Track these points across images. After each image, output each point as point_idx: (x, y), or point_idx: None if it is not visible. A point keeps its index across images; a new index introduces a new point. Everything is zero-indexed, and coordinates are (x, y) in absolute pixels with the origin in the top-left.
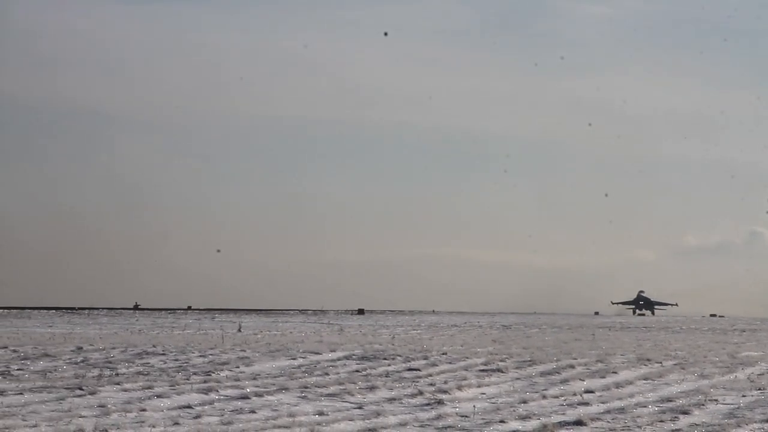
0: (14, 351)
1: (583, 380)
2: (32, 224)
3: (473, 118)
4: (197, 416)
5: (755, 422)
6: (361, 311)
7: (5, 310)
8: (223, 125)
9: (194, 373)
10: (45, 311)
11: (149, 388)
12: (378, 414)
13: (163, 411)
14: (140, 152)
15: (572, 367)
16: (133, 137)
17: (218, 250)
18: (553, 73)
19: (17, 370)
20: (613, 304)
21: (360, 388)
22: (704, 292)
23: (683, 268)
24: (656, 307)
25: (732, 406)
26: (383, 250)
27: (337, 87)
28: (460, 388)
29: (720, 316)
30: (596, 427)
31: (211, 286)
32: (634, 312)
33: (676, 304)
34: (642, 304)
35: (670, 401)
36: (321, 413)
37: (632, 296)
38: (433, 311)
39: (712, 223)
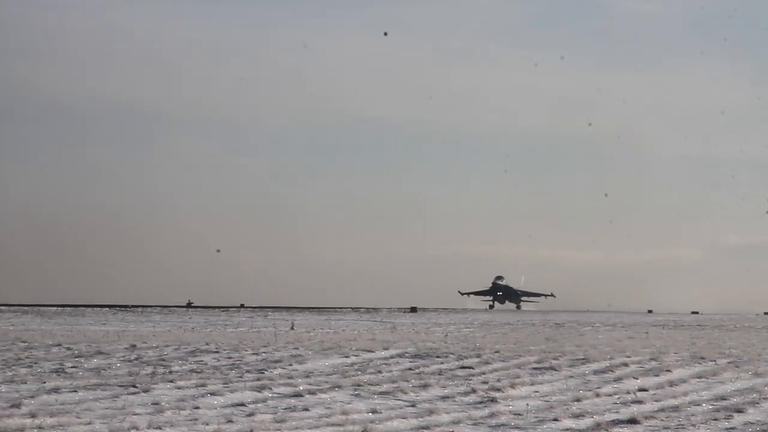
0: (68, 348)
1: (637, 378)
2: (84, 222)
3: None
4: (250, 414)
5: None
6: (413, 309)
7: (59, 308)
8: (280, 122)
9: (247, 371)
10: (99, 309)
11: (203, 385)
12: (431, 412)
13: (216, 409)
14: (191, 149)
15: (626, 365)
16: (185, 135)
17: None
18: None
19: (71, 367)
20: (461, 294)
21: (413, 386)
22: (754, 289)
23: (730, 265)
24: (524, 298)
25: None
26: (436, 247)
27: (403, 86)
28: (513, 386)
29: None
30: (650, 426)
31: (263, 283)
32: (491, 305)
33: (552, 295)
34: (500, 294)
35: (725, 399)
36: (374, 411)
37: (518, 286)
38: (487, 309)
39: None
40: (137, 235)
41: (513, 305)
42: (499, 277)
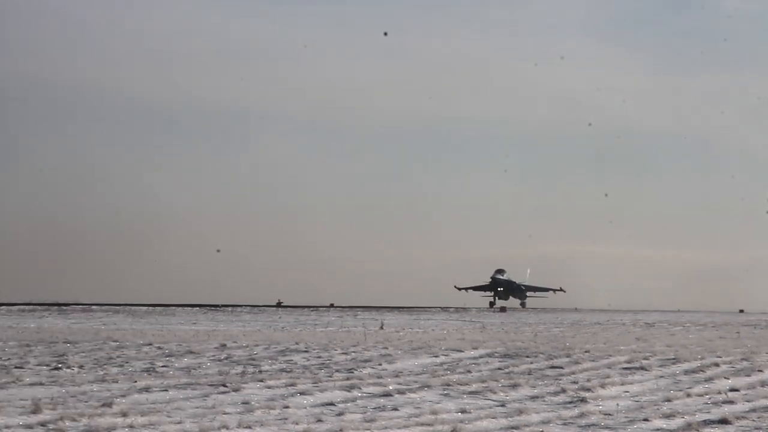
0: (159, 348)
1: (728, 378)
2: (173, 222)
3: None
4: (340, 413)
5: None
6: (503, 309)
7: (150, 308)
8: (364, 123)
9: (337, 371)
10: (189, 308)
11: (292, 385)
12: (520, 412)
13: (306, 408)
14: (278, 149)
15: (717, 365)
16: (271, 134)
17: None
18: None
19: (162, 366)
20: (458, 289)
21: (502, 386)
22: None
23: None
24: (529, 293)
25: None
26: (528, 246)
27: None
28: (603, 386)
29: None
30: (741, 426)
31: (353, 283)
32: (492, 303)
33: (561, 289)
34: (501, 291)
35: None
36: (463, 411)
37: (501, 279)
38: (576, 309)
39: None
40: (226, 234)
41: (517, 302)
42: (500, 271)
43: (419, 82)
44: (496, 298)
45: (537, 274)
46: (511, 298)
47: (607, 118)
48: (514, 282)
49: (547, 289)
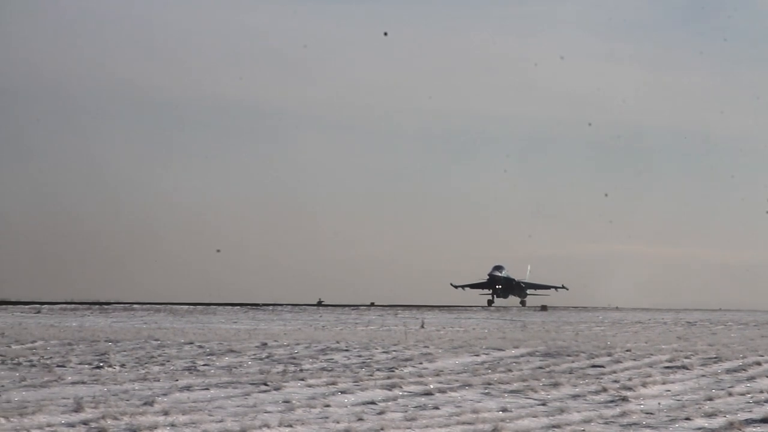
0: (200, 347)
1: None
2: (216, 221)
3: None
4: (381, 412)
5: None
6: (544, 307)
7: (191, 306)
8: (412, 122)
9: (378, 369)
10: (230, 307)
11: (333, 384)
12: (562, 411)
13: (347, 407)
14: (322, 148)
15: (759, 364)
16: (314, 134)
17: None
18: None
19: (203, 365)
20: (455, 287)
21: (543, 385)
22: None
23: None
24: (529, 291)
25: None
26: (567, 245)
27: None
28: (644, 385)
29: None
30: None
31: (394, 282)
32: (490, 302)
33: (564, 287)
34: (500, 288)
35: None
36: (504, 410)
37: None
38: (617, 307)
39: None
40: (266, 234)
41: (517, 300)
42: (498, 267)
43: (419, 81)
44: (495, 296)
45: (558, 273)
46: (510, 296)
47: (607, 118)
48: (513, 279)
49: (548, 287)
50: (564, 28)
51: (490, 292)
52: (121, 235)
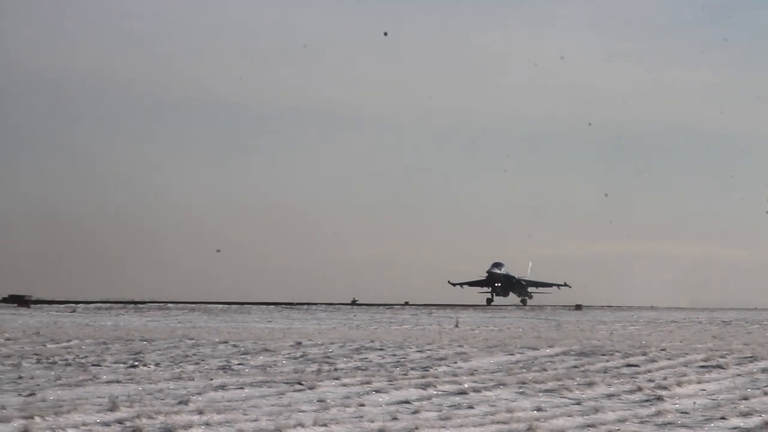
0: (234, 346)
1: None
2: (254, 220)
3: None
4: (415, 411)
5: None
6: (578, 307)
7: (225, 305)
8: (432, 120)
9: (412, 369)
10: (264, 306)
11: (367, 383)
12: (596, 410)
13: (381, 406)
14: (322, 148)
15: None
16: (358, 133)
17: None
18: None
19: (238, 364)
20: (452, 285)
21: (578, 384)
22: None
23: None
24: (531, 289)
25: None
26: (567, 245)
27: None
28: (679, 384)
29: None
30: None
31: (428, 281)
32: (489, 301)
33: (566, 284)
34: (499, 286)
35: None
36: (539, 409)
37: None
38: (652, 307)
39: None
40: (299, 233)
41: (518, 298)
42: (497, 264)
43: (419, 81)
44: (494, 294)
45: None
46: (510, 294)
47: (607, 118)
48: (513, 277)
49: (551, 285)
50: (564, 28)
51: (489, 290)
52: (157, 235)
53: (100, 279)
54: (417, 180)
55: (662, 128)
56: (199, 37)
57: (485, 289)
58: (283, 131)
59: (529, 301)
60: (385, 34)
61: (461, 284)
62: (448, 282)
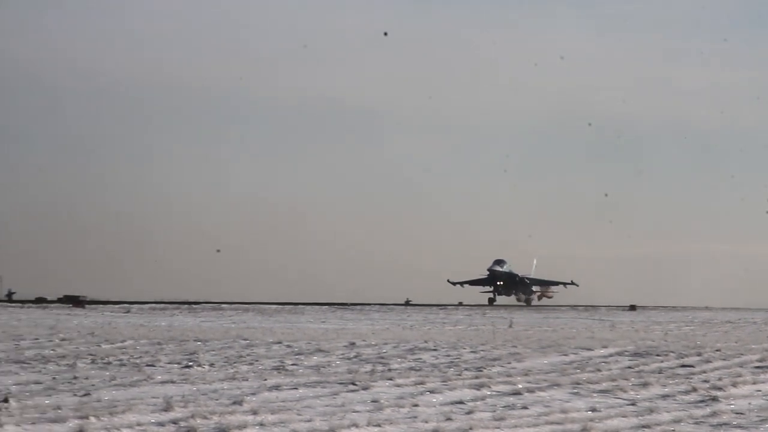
0: (288, 346)
1: None
2: (308, 219)
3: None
4: (469, 412)
5: None
6: (632, 307)
7: (279, 306)
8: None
9: (466, 369)
10: (318, 307)
11: (421, 383)
12: (651, 411)
13: (435, 406)
14: (322, 148)
15: None
16: (404, 134)
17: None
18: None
19: (292, 365)
20: (452, 284)
21: (633, 385)
22: None
23: None
24: (535, 288)
25: None
26: (567, 245)
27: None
28: (734, 385)
29: None
30: None
31: (426, 281)
32: (491, 300)
33: (573, 283)
34: (501, 285)
35: None
36: (593, 409)
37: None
38: (707, 307)
39: None
40: (354, 233)
41: (522, 297)
42: (499, 262)
43: (419, 81)
44: (496, 293)
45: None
46: (514, 294)
47: (607, 118)
48: (516, 275)
49: (556, 283)
50: (564, 28)
51: (491, 289)
52: (211, 234)
53: (155, 279)
54: (417, 180)
55: (662, 128)
56: (200, 37)
57: (487, 288)
58: (283, 131)
59: (549, 300)
60: (385, 34)
61: (461, 283)
62: (448, 281)
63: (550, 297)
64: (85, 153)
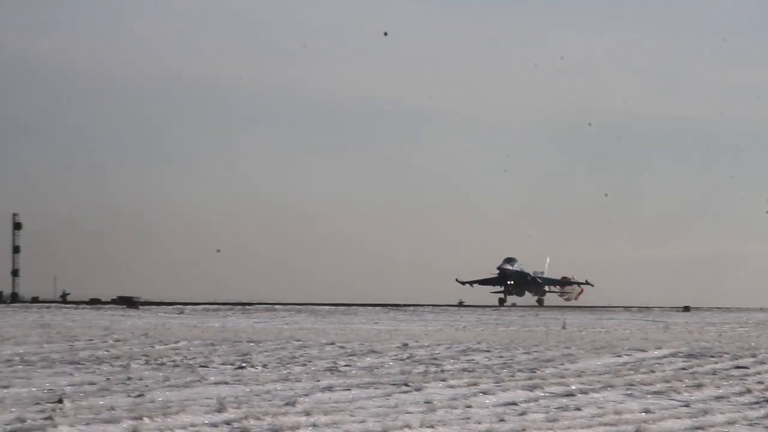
0: (341, 347)
1: None
2: (355, 220)
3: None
4: (522, 413)
5: None
6: (686, 308)
7: (332, 307)
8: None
9: (519, 370)
10: (371, 308)
11: (474, 384)
12: (705, 412)
13: (488, 408)
14: (322, 148)
15: None
16: (440, 132)
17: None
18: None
19: (344, 366)
20: (461, 284)
21: (687, 386)
22: None
23: None
24: (548, 287)
25: None
26: (567, 245)
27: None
28: None
29: None
30: None
31: (428, 280)
32: (502, 301)
33: (588, 282)
34: (512, 284)
35: None
36: (647, 411)
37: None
38: (761, 308)
39: None
40: (406, 233)
41: (533, 297)
42: (509, 260)
43: (419, 81)
44: (506, 293)
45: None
46: (526, 293)
47: (607, 118)
48: (528, 274)
49: (570, 283)
50: (564, 28)
51: (501, 288)
52: (264, 234)
53: (208, 280)
54: (417, 180)
55: (662, 129)
56: (200, 37)
57: (497, 288)
58: (283, 130)
59: (572, 302)
60: (385, 34)
61: (471, 282)
62: (456, 280)
63: (576, 299)
64: (132, 154)
